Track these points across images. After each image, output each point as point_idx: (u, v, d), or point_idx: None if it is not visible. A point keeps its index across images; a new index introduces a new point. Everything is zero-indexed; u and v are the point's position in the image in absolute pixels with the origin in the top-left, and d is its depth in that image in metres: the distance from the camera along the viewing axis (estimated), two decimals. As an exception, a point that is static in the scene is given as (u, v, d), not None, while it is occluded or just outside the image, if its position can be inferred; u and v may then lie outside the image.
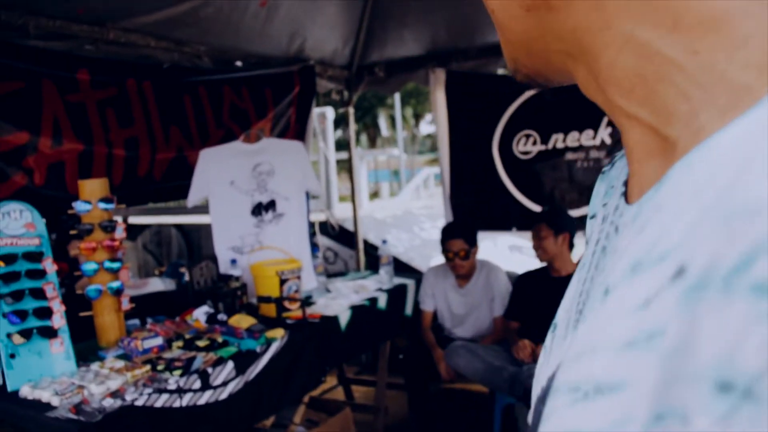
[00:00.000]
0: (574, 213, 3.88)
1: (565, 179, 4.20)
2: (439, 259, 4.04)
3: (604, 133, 4.02)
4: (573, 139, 4.14)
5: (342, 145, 13.71)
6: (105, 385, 2.17)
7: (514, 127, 4.36)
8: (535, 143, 4.28)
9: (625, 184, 0.45)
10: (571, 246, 3.45)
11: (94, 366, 2.37)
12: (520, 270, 4.15)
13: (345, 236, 5.46)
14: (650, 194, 0.37)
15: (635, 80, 0.37)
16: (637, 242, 0.36)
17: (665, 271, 0.31)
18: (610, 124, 3.99)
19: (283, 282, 3.23)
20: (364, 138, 28.21)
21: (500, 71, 4.48)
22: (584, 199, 4.13)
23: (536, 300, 3.45)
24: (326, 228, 5.40)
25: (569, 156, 4.17)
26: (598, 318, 0.38)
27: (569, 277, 3.46)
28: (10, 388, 2.23)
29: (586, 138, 4.08)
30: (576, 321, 0.45)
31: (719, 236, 0.28)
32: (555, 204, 4.00)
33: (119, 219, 2.76)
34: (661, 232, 0.33)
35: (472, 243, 3.82)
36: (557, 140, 4.20)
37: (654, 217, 0.35)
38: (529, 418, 0.50)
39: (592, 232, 0.53)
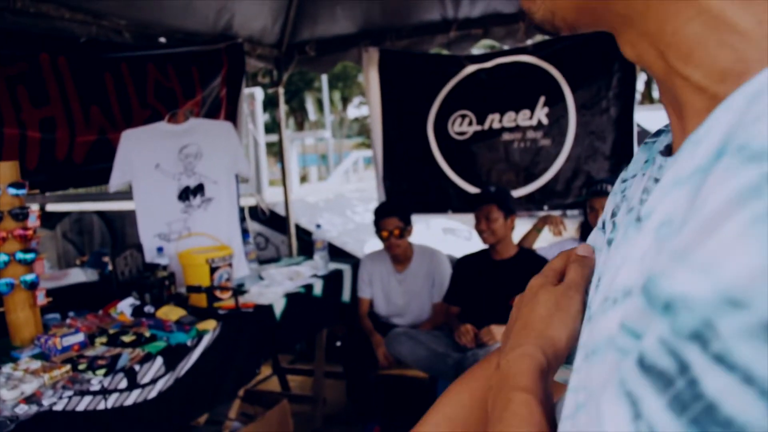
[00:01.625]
0: (513, 194, 3.81)
1: (502, 160, 4.14)
2: (374, 244, 3.94)
3: (540, 113, 3.97)
4: (509, 119, 4.08)
5: (269, 128, 13.45)
6: (18, 389, 1.96)
7: (449, 108, 4.26)
8: (470, 124, 4.20)
9: (668, 148, 0.49)
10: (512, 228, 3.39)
11: (6, 368, 2.13)
12: (453, 252, 4.07)
13: (276, 221, 5.30)
14: (691, 135, 0.37)
15: (695, 46, 0.39)
16: (671, 170, 0.37)
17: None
18: (546, 104, 3.94)
19: (213, 270, 3.08)
20: (291, 122, 27.88)
21: (435, 50, 4.37)
22: (521, 180, 4.09)
23: (477, 284, 3.37)
24: (256, 213, 5.24)
25: (506, 136, 4.11)
26: (630, 240, 0.43)
27: (511, 260, 3.43)
28: None
29: (523, 118, 4.03)
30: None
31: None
32: (499, 185, 3.90)
33: (35, 206, 2.52)
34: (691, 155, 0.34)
35: (407, 222, 3.72)
36: (493, 120, 4.13)
37: (688, 148, 0.36)
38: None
39: (626, 188, 0.56)
